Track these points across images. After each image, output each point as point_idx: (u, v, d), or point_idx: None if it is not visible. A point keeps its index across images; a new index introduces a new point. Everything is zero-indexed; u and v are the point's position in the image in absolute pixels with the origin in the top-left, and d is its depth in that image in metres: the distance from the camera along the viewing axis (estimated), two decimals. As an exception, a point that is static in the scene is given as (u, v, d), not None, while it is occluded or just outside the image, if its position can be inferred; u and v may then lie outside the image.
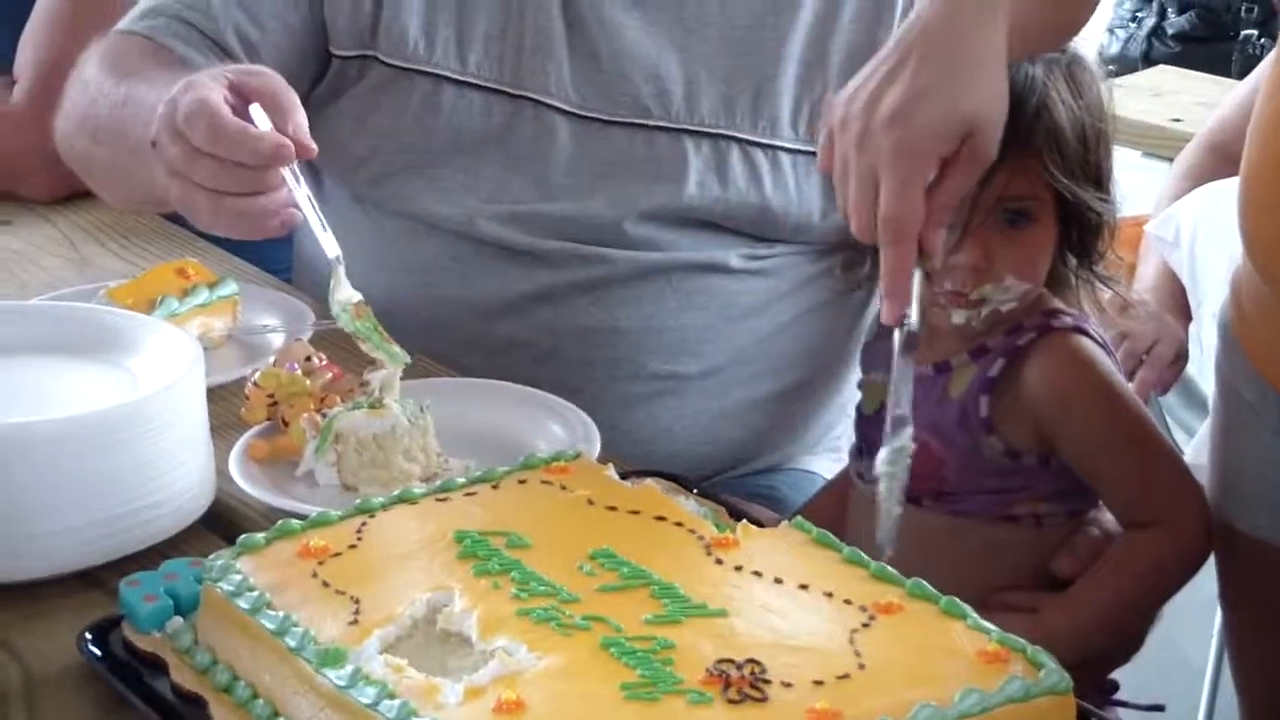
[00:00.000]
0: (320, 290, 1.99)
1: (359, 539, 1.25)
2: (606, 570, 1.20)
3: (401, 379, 1.58)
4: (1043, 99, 1.51)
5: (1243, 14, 6.22)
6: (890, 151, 1.33)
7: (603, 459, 1.45)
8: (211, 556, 1.23)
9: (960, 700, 1.04)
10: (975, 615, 1.15)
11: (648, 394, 1.92)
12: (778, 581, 1.19)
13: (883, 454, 1.35)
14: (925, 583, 1.18)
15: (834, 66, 1.90)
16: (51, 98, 2.03)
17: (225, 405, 1.63)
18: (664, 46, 1.91)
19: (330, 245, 1.54)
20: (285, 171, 1.52)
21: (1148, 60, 5.99)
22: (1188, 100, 3.73)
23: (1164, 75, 4.21)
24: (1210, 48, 6.05)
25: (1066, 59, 1.56)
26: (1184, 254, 2.41)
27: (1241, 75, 3.43)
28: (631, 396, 1.91)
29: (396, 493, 1.33)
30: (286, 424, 1.57)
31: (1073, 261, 1.59)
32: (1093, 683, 1.63)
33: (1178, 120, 3.53)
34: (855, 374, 1.77)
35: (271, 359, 1.68)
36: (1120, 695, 1.68)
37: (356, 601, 1.16)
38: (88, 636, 1.24)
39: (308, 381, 1.60)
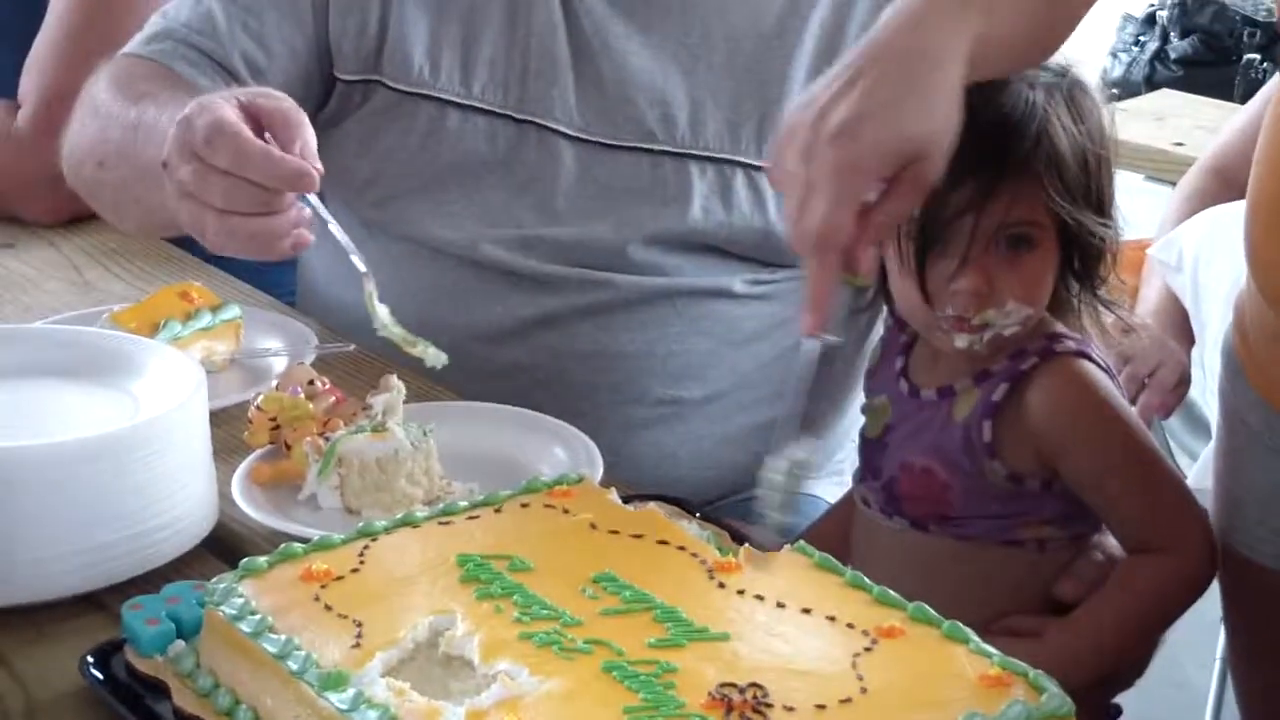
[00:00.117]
0: (323, 314, 2.00)
1: (361, 562, 1.25)
2: (609, 594, 1.20)
3: (404, 402, 1.58)
4: (1043, 124, 1.51)
5: (1245, 38, 6.24)
6: (830, 166, 1.32)
7: (605, 483, 1.45)
8: (214, 580, 1.22)
9: (962, 724, 1.04)
10: (977, 639, 1.15)
11: (651, 419, 1.92)
12: (780, 605, 1.19)
13: (779, 463, 1.36)
14: (927, 607, 1.18)
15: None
16: (56, 123, 2.03)
17: (228, 429, 1.63)
18: (669, 71, 1.92)
19: (358, 261, 1.55)
20: (313, 198, 1.53)
21: (1150, 84, 6.01)
22: (1190, 124, 3.74)
23: (1167, 99, 4.22)
24: (1213, 72, 6.07)
25: (1067, 83, 1.56)
26: (1186, 278, 2.42)
27: (1244, 99, 3.43)
28: (635, 421, 1.91)
29: (399, 516, 1.33)
30: (289, 447, 1.57)
31: (1075, 286, 1.59)
32: (1096, 707, 1.63)
33: (1180, 144, 3.54)
34: (858, 399, 1.77)
35: (274, 382, 1.69)
36: (1123, 720, 1.68)
37: (359, 625, 1.16)
38: (90, 660, 1.24)
39: (310, 405, 1.60)
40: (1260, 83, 3.78)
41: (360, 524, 1.32)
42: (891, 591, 1.21)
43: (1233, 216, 1.98)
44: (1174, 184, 2.71)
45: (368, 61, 1.95)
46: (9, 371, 1.51)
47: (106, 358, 1.54)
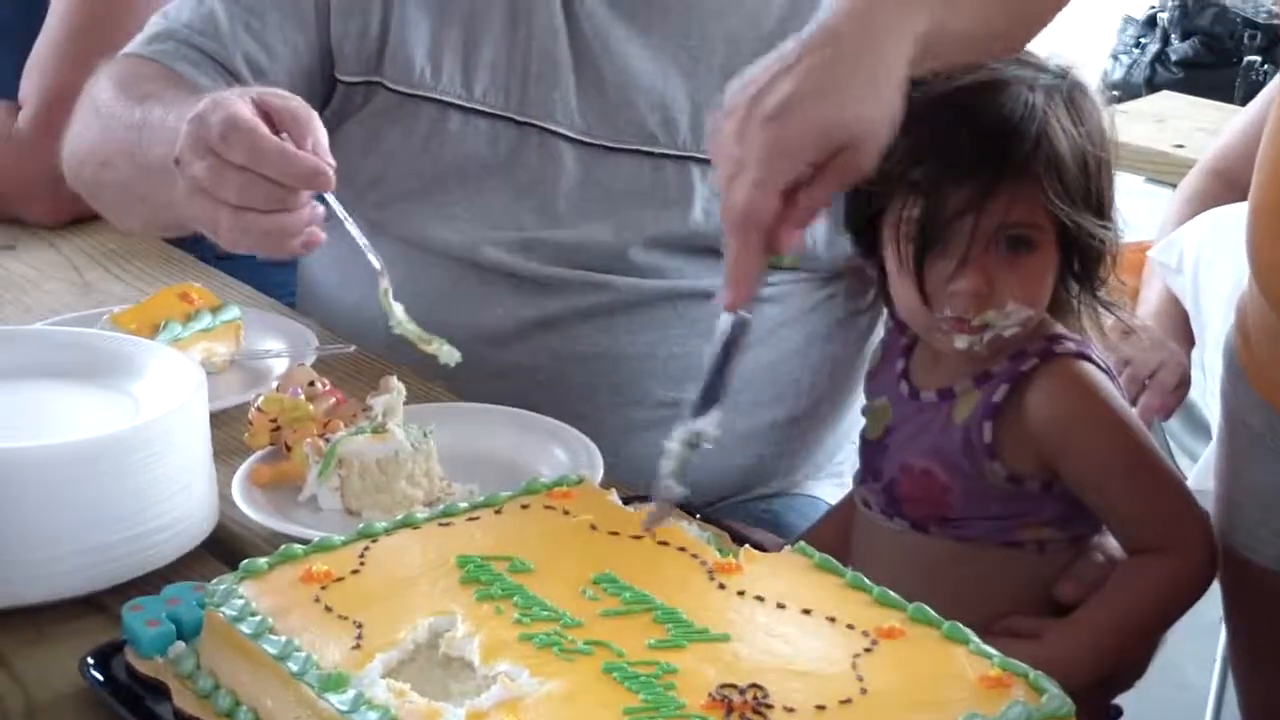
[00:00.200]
0: (323, 315, 2.00)
1: (362, 564, 1.25)
2: (609, 595, 1.20)
3: (404, 404, 1.58)
4: (1042, 127, 1.51)
5: (1245, 40, 6.24)
6: (760, 148, 1.31)
7: (606, 484, 1.45)
8: (214, 581, 1.22)
9: (962, 725, 1.04)
10: (977, 640, 1.15)
11: (652, 421, 1.91)
12: (780, 606, 1.19)
13: (679, 430, 1.36)
14: (927, 608, 1.18)
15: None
16: (56, 124, 2.03)
17: (228, 430, 1.63)
18: (670, 74, 1.92)
19: (374, 258, 1.56)
20: (330, 196, 1.53)
21: (1151, 86, 6.01)
22: (1190, 126, 3.74)
23: (1167, 101, 4.22)
24: (1213, 74, 6.07)
25: (1067, 85, 1.56)
26: (1187, 279, 2.42)
27: (1244, 101, 3.43)
28: (635, 423, 1.91)
29: (399, 517, 1.33)
30: (289, 449, 1.57)
31: (1075, 287, 1.59)
32: (1096, 708, 1.63)
33: (1181, 146, 3.54)
34: (859, 400, 1.77)
35: (274, 384, 1.69)
36: (1123, 721, 1.68)
37: (359, 626, 1.16)
38: (90, 661, 1.24)
39: (311, 406, 1.60)
40: (1261, 85, 3.78)
41: (360, 525, 1.32)
42: (891, 592, 1.21)
43: (1234, 218, 1.99)
44: (1174, 186, 2.71)
45: (369, 63, 1.95)
46: (9, 373, 1.51)
47: (107, 359, 1.54)
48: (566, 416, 1.69)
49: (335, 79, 1.97)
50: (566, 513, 1.35)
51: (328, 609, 1.18)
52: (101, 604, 1.36)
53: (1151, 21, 6.54)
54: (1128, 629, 1.58)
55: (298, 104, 1.57)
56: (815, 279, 1.95)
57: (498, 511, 1.35)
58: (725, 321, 1.38)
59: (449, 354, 1.59)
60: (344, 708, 1.06)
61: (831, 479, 2.09)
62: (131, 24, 2.04)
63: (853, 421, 1.98)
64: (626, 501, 1.39)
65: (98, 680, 1.23)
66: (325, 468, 1.52)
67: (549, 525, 1.33)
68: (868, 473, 1.68)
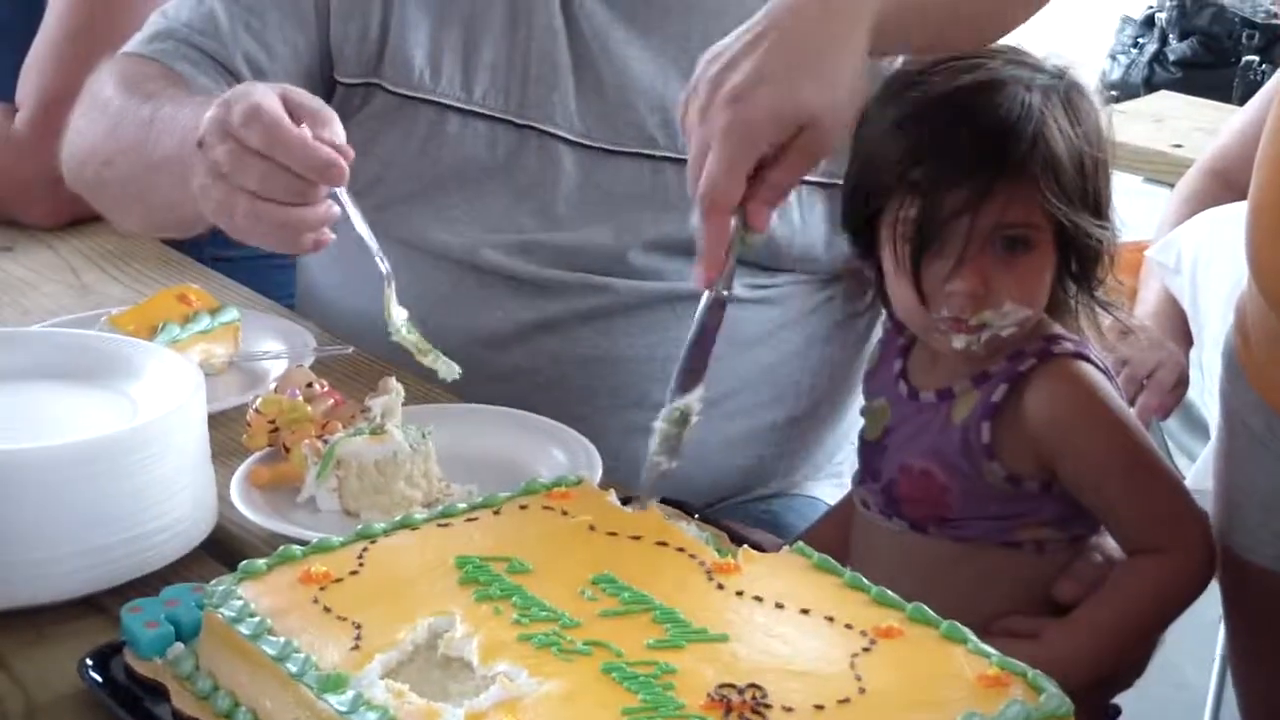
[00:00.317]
0: (321, 317, 2.00)
1: (360, 565, 1.25)
2: (608, 595, 1.20)
3: (403, 405, 1.58)
4: (1039, 127, 1.51)
5: (1243, 40, 6.25)
6: (722, 130, 1.34)
7: (604, 485, 1.45)
8: (213, 582, 1.22)
9: (961, 724, 1.04)
10: (976, 639, 1.15)
11: (650, 422, 1.92)
12: (779, 606, 1.19)
13: (664, 410, 1.40)
14: (926, 607, 1.18)
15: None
16: (54, 125, 2.03)
17: (227, 431, 1.63)
18: (670, 77, 1.91)
19: (382, 263, 1.55)
20: (341, 192, 1.53)
21: (1149, 86, 6.02)
22: (1189, 126, 3.74)
23: (1165, 101, 4.22)
24: (1212, 74, 6.08)
25: (1065, 85, 1.56)
26: (1185, 279, 2.42)
27: (1243, 101, 3.43)
28: (635, 425, 1.90)
29: (398, 518, 1.33)
30: (288, 450, 1.57)
31: (1072, 287, 1.59)
32: (1095, 708, 1.63)
33: (1179, 146, 3.55)
34: (858, 401, 1.77)
35: (273, 385, 1.69)
36: (1122, 720, 1.68)
37: (358, 627, 1.16)
38: (89, 662, 1.24)
39: (309, 408, 1.60)
40: (1259, 84, 3.78)
41: (359, 526, 1.32)
42: (890, 592, 1.21)
43: (1232, 218, 1.98)
44: (1172, 186, 2.71)
45: (368, 65, 1.95)
46: (7, 375, 1.51)
47: (105, 361, 1.54)
48: (566, 418, 1.69)
49: (334, 80, 1.97)
50: (565, 513, 1.35)
51: (326, 610, 1.18)
52: (100, 605, 1.36)
53: (1150, 21, 6.55)
54: (1126, 629, 1.58)
55: (322, 104, 1.58)
56: (814, 281, 1.95)
57: (496, 512, 1.35)
58: (704, 299, 1.42)
59: (447, 369, 1.59)
60: (343, 708, 1.06)
61: (831, 479, 2.09)
62: (129, 25, 2.04)
63: (852, 422, 1.98)
64: (625, 502, 1.39)
65: (97, 681, 1.23)
66: (324, 469, 1.52)
67: (547, 526, 1.33)
68: (866, 473, 1.68)
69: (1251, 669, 1.75)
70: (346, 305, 2.01)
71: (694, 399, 1.40)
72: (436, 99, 1.93)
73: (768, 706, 1.06)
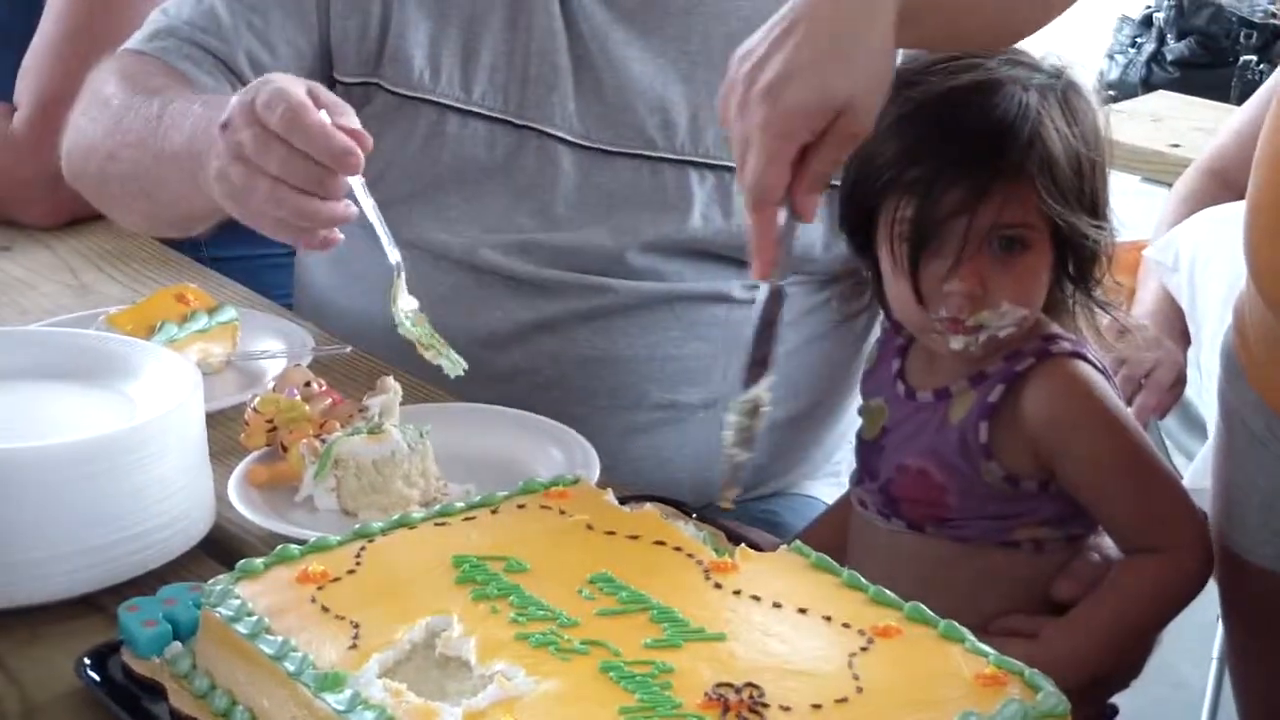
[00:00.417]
0: (319, 317, 2.00)
1: (358, 564, 1.25)
2: (605, 595, 1.20)
3: (401, 404, 1.58)
4: (1036, 127, 1.51)
5: (1241, 40, 6.25)
6: (760, 126, 1.36)
7: (602, 484, 1.45)
8: (210, 582, 1.22)
9: (958, 723, 1.04)
10: (973, 638, 1.15)
11: (650, 423, 1.92)
12: (776, 605, 1.19)
13: (733, 403, 1.40)
14: (923, 606, 1.18)
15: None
16: (52, 126, 2.03)
17: (224, 431, 1.63)
18: (669, 79, 1.92)
19: (392, 252, 1.55)
20: (355, 182, 1.53)
21: (1147, 85, 6.02)
22: (1186, 126, 3.74)
23: (1163, 100, 4.22)
24: (1209, 73, 6.08)
25: (1062, 85, 1.56)
26: (1183, 279, 2.41)
27: (1240, 100, 3.43)
28: (634, 425, 1.91)
29: (396, 517, 1.33)
30: (286, 449, 1.57)
31: (1070, 287, 1.59)
32: (1092, 708, 1.63)
33: (1176, 145, 3.54)
34: (856, 401, 1.77)
35: (271, 384, 1.69)
36: (1120, 720, 1.68)
37: (355, 626, 1.16)
38: (86, 662, 1.24)
39: (307, 407, 1.60)
40: (1257, 84, 3.78)
41: (357, 525, 1.32)
42: (887, 591, 1.21)
43: (1230, 218, 1.98)
44: (1170, 185, 2.71)
45: (368, 64, 1.95)
46: (5, 374, 1.51)
47: (103, 360, 1.54)
48: (565, 419, 1.69)
49: (334, 80, 1.97)
50: (563, 512, 1.35)
51: (324, 609, 1.18)
52: (98, 604, 1.36)
53: (1147, 21, 6.55)
54: (1124, 628, 1.58)
55: (341, 101, 1.58)
56: (813, 282, 1.95)
57: (494, 511, 1.35)
58: (761, 292, 1.44)
59: (453, 365, 1.59)
60: (340, 707, 1.06)
61: (829, 479, 2.09)
62: (128, 26, 2.04)
63: (850, 422, 1.98)
64: (623, 501, 1.39)
65: (94, 680, 1.23)
66: (322, 468, 1.52)
67: (545, 525, 1.33)
68: (864, 473, 1.68)
69: (1250, 668, 1.75)
70: (344, 305, 2.01)
71: (763, 389, 1.41)
72: (436, 99, 1.93)
73: (765, 705, 1.06)
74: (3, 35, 2.44)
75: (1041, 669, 1.11)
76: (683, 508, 1.45)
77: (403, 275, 1.58)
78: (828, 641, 1.15)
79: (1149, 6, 6.57)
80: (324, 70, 1.96)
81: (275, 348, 1.87)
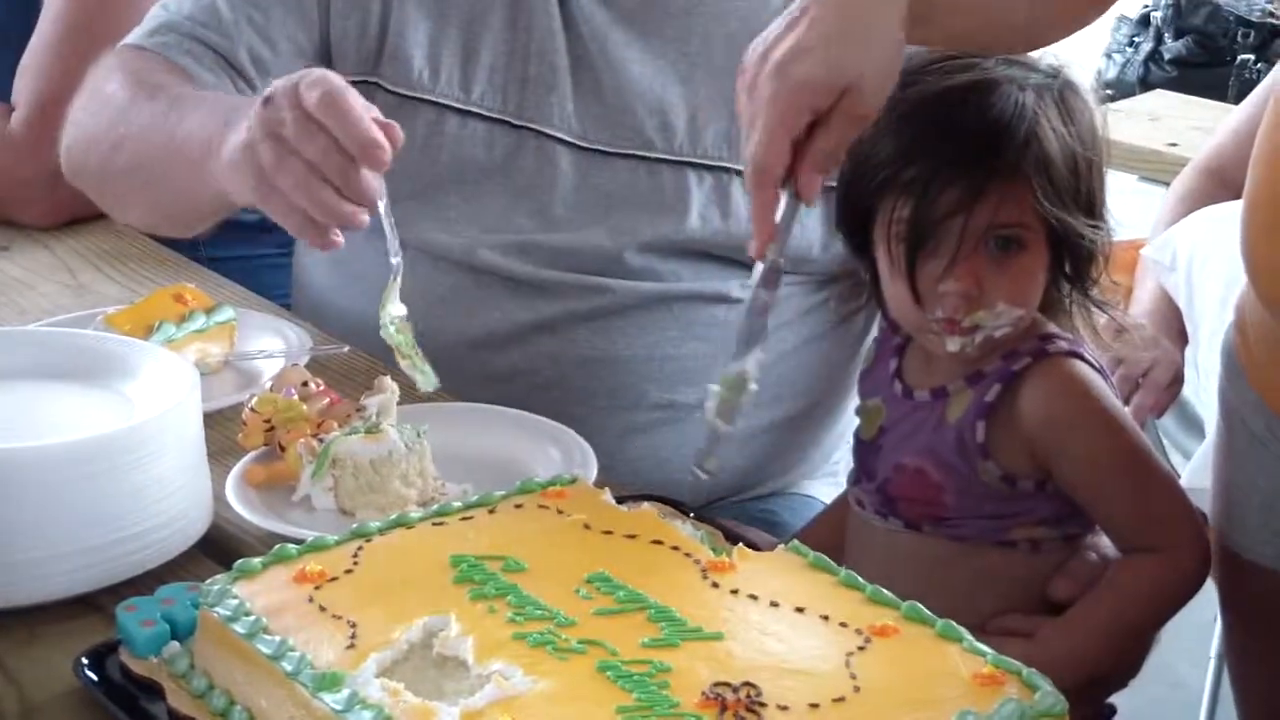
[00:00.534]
0: (316, 317, 2.00)
1: (355, 564, 1.25)
2: (603, 594, 1.20)
3: (398, 404, 1.58)
4: (1032, 127, 1.51)
5: (1239, 39, 6.25)
6: (766, 101, 1.38)
7: (600, 484, 1.45)
8: (208, 581, 1.22)
9: (955, 723, 1.04)
10: (970, 638, 1.15)
11: (648, 423, 1.92)
12: (774, 605, 1.19)
13: (722, 374, 1.41)
14: (920, 605, 1.18)
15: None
16: (50, 125, 2.03)
17: (222, 430, 1.63)
18: (668, 80, 1.92)
19: (395, 256, 1.54)
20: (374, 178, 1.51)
21: (1145, 85, 6.02)
22: (1184, 125, 3.74)
23: (1161, 100, 4.22)
24: (1207, 73, 6.08)
25: (1059, 85, 1.56)
26: (1180, 278, 2.42)
27: (1238, 100, 3.43)
28: (632, 426, 1.91)
29: (393, 517, 1.33)
30: (283, 449, 1.57)
31: (1067, 286, 1.59)
32: (1090, 707, 1.63)
33: (1174, 145, 3.54)
34: (854, 401, 1.77)
35: (268, 384, 1.69)
36: (1117, 720, 1.68)
37: (353, 626, 1.16)
38: (84, 661, 1.24)
39: (304, 407, 1.60)
40: (1254, 83, 3.78)
41: (354, 525, 1.32)
42: (885, 590, 1.21)
43: (1227, 216, 1.98)
44: (1168, 185, 2.71)
45: (367, 63, 1.94)
46: (4, 374, 1.51)
47: (101, 360, 1.54)
48: (563, 419, 1.69)
49: (333, 78, 1.97)
50: (560, 512, 1.35)
51: (322, 609, 1.18)
52: (96, 604, 1.36)
53: (1145, 20, 6.55)
54: (1121, 627, 1.58)
55: (373, 107, 1.56)
56: (811, 282, 1.95)
57: (491, 511, 1.35)
58: (757, 270, 1.44)
59: (425, 379, 1.57)
60: (338, 707, 1.07)
61: (827, 479, 2.09)
62: (126, 26, 2.03)
63: (849, 422, 1.98)
64: (620, 501, 1.39)
65: (92, 680, 1.23)
66: (319, 468, 1.52)
67: (543, 525, 1.33)
68: (861, 472, 1.68)
69: (1249, 668, 1.75)
70: (342, 305, 2.01)
71: (751, 364, 1.42)
72: (435, 99, 1.93)
73: (762, 705, 1.06)
74: (1, 35, 2.44)
75: (1039, 668, 1.11)
76: (680, 507, 1.45)
77: (399, 280, 1.57)
78: (825, 641, 1.15)
79: (1146, 5, 6.57)
80: (325, 67, 1.96)
81: (273, 347, 1.87)
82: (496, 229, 1.92)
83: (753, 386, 1.42)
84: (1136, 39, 6.51)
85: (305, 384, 1.64)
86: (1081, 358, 1.57)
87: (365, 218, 1.52)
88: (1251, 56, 6.15)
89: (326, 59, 1.96)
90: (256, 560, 1.25)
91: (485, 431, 1.67)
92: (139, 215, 2.01)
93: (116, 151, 1.86)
